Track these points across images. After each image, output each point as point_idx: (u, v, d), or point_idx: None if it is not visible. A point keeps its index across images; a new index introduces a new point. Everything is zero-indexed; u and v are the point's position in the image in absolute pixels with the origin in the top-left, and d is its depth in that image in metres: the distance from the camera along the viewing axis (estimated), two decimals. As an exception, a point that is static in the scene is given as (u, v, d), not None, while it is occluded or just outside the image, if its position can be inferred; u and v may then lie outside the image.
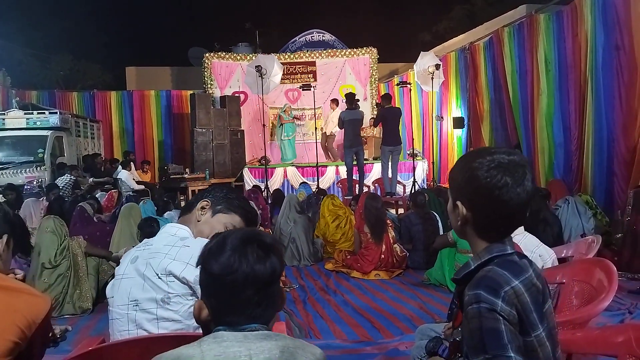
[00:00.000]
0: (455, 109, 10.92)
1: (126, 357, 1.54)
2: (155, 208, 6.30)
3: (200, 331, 1.19)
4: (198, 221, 1.80)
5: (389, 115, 8.61)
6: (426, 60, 9.56)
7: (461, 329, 1.26)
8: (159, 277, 1.61)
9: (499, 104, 8.87)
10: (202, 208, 1.81)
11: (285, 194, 9.45)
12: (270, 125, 12.81)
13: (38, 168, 9.50)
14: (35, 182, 8.84)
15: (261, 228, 5.30)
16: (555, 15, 7.19)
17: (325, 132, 12.10)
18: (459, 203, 1.26)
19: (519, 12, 10.07)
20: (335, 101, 11.97)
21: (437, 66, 9.35)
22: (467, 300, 1.16)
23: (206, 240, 1.68)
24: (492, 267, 1.19)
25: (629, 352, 1.59)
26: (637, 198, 4.78)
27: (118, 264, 2.44)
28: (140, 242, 1.90)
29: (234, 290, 1.09)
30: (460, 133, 10.76)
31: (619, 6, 5.98)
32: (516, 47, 8.09)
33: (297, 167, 11.11)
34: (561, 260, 3.33)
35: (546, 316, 1.19)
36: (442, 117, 11.39)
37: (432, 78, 9.30)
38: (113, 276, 1.77)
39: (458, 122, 10.46)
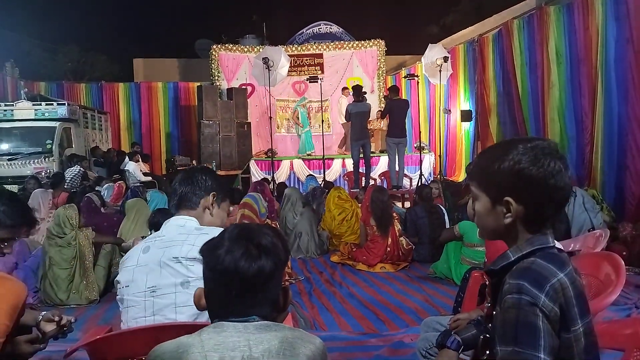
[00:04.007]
0: (463, 102, 10.85)
1: (133, 345, 1.55)
2: (167, 199, 6.34)
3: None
4: (211, 215, 1.86)
5: (395, 107, 8.57)
6: (434, 52, 9.50)
7: (493, 323, 1.22)
8: (179, 262, 1.64)
9: (507, 97, 8.79)
10: (213, 204, 1.87)
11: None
12: (283, 118, 12.85)
13: (46, 159, 9.55)
14: (43, 173, 8.89)
15: (268, 220, 5.30)
16: (566, 8, 7.11)
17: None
18: (509, 199, 1.18)
19: (528, 5, 9.95)
20: (346, 89, 11.93)
21: (445, 59, 9.28)
22: (507, 288, 1.12)
23: (221, 229, 1.74)
24: (534, 260, 1.15)
25: (636, 346, 1.59)
26: None
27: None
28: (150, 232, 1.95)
29: (220, 282, 1.12)
30: (467, 126, 10.70)
31: (630, -1, 5.91)
32: (526, 40, 8.01)
33: (304, 159, 11.11)
34: (568, 254, 3.31)
35: (587, 313, 1.16)
36: (449, 110, 11.33)
37: (440, 71, 9.24)
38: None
39: (466, 115, 10.40)
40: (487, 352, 1.27)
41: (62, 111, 10.26)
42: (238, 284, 1.09)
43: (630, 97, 6.00)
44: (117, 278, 1.77)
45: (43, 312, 1.94)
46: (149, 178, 10.07)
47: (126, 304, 1.70)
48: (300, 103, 12.25)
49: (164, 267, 1.66)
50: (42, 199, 6.07)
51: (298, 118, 12.08)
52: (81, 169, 8.84)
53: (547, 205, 1.18)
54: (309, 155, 11.44)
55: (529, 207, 1.19)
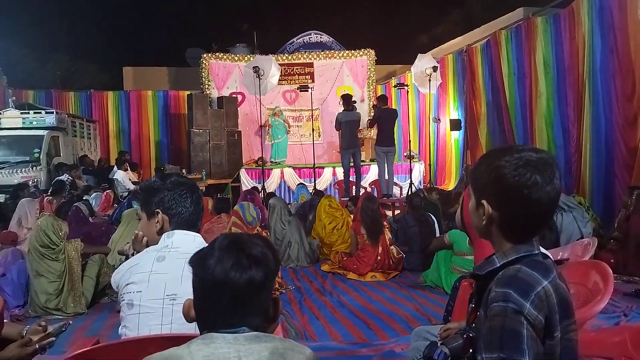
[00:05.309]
0: (453, 111, 10.94)
1: (121, 357, 1.53)
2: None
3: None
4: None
5: (384, 116, 8.61)
6: (424, 62, 9.58)
7: (476, 324, 1.24)
8: None
9: (496, 106, 8.89)
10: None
11: (281, 196, 9.50)
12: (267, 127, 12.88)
13: (34, 168, 9.46)
14: (30, 182, 8.80)
15: (259, 229, 5.28)
16: (553, 19, 7.23)
17: None
18: (484, 202, 1.22)
19: (516, 15, 10.10)
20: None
21: (435, 68, 9.37)
22: (493, 296, 1.13)
23: None
24: (520, 267, 1.16)
25: (624, 354, 1.60)
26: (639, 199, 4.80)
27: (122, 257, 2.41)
28: None
29: (210, 293, 1.11)
30: (457, 135, 10.78)
31: (614, 10, 6.02)
32: (514, 50, 8.12)
33: (294, 168, 11.11)
34: (557, 263, 3.33)
35: (568, 316, 1.17)
36: (439, 119, 11.41)
37: (430, 80, 9.32)
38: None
39: (455, 124, 10.48)
40: (470, 350, 1.28)
41: (51, 120, 10.19)
42: (228, 294, 1.08)
43: (613, 106, 6.11)
44: (126, 282, 1.70)
45: (28, 326, 1.91)
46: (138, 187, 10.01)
47: (138, 309, 1.65)
48: (273, 113, 12.23)
49: (186, 278, 1.58)
50: (29, 208, 5.99)
51: (270, 127, 12.08)
52: (69, 177, 8.77)
53: (521, 216, 1.20)
54: (272, 162, 11.37)
55: (504, 215, 1.21)
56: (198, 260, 1.14)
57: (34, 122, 10.13)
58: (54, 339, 1.86)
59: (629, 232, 4.74)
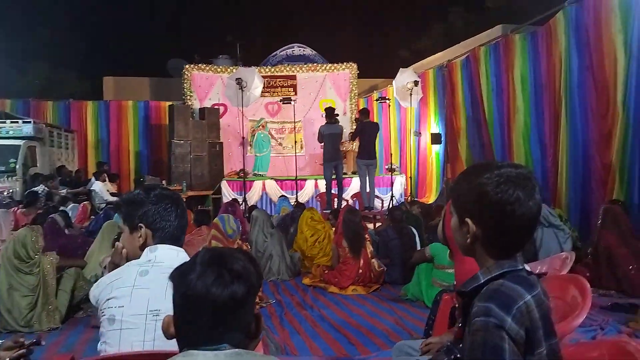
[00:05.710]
0: (433, 125, 11.07)
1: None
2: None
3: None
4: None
5: (366, 130, 8.68)
6: (405, 76, 9.69)
7: (464, 344, 1.23)
8: None
9: (475, 121, 9.03)
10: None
11: (263, 208, 9.44)
12: (249, 138, 12.82)
13: (9, 178, 9.26)
14: (5, 193, 8.61)
15: (239, 242, 5.23)
16: (530, 36, 7.39)
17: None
18: (468, 220, 1.23)
19: (495, 32, 10.31)
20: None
21: (416, 83, 9.48)
22: (475, 311, 1.13)
23: None
24: (503, 282, 1.17)
25: (602, 369, 1.61)
26: (606, 215, 4.88)
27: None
28: None
29: (191, 308, 1.08)
30: (438, 149, 10.90)
31: (590, 28, 6.18)
32: (492, 66, 8.27)
33: (276, 180, 11.08)
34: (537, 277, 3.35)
35: (554, 335, 1.17)
36: (420, 133, 11.52)
37: (411, 94, 9.42)
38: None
39: (436, 138, 10.59)
40: None
41: (28, 129, 10.01)
42: (209, 310, 1.06)
43: (589, 122, 6.25)
44: (106, 297, 1.66)
45: (1, 341, 1.85)
46: (116, 198, 9.84)
47: (119, 325, 1.61)
48: (257, 125, 12.21)
49: (169, 294, 1.60)
50: (2, 220, 5.85)
51: (255, 137, 12.06)
52: (45, 188, 8.59)
53: (504, 232, 1.20)
54: (255, 174, 11.34)
55: (487, 231, 1.22)
56: (179, 275, 1.11)
57: (11, 132, 9.94)
58: (24, 350, 1.79)
59: (598, 246, 4.81)
